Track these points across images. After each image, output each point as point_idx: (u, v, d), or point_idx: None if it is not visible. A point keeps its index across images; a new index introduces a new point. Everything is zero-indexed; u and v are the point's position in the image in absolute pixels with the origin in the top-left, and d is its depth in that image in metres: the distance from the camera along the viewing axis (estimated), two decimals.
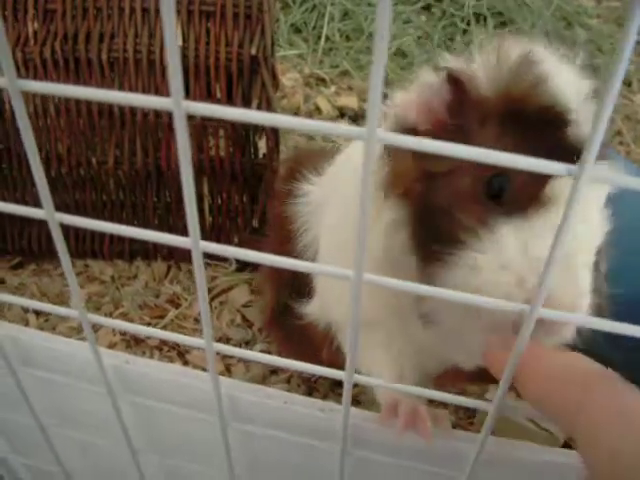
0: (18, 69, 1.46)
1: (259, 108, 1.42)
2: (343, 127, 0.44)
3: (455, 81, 0.74)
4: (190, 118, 1.37)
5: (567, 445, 1.27)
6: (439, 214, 0.73)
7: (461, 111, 0.74)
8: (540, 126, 0.70)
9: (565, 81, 0.73)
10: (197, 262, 0.55)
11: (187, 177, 0.48)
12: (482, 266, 0.68)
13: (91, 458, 0.96)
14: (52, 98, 1.47)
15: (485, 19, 2.70)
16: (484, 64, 0.75)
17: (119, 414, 0.76)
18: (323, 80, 2.37)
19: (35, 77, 1.47)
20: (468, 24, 2.70)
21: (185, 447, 0.87)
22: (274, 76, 1.45)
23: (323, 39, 2.54)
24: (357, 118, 2.22)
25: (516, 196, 0.69)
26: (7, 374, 0.77)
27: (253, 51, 1.41)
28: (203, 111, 0.46)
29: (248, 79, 1.43)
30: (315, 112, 2.20)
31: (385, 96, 2.49)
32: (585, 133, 0.69)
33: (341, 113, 2.22)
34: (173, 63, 0.42)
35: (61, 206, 1.60)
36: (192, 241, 0.54)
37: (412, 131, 0.75)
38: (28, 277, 1.62)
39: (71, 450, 0.94)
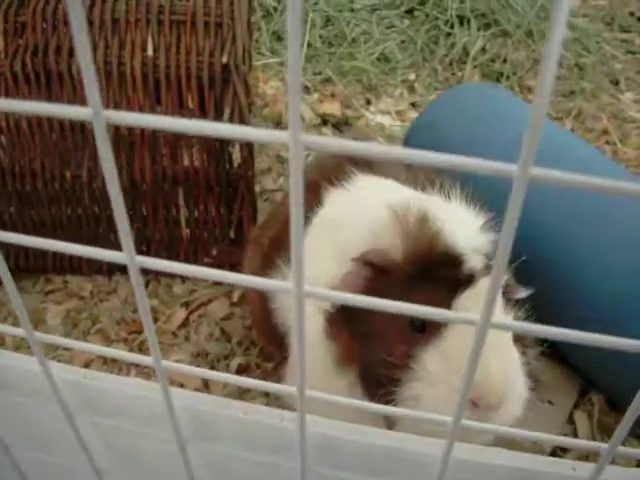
0: None
1: (231, 117, 1.39)
2: (266, 132, 0.42)
3: (368, 263, 0.95)
4: (162, 130, 1.34)
5: (553, 455, 1.24)
6: (377, 365, 0.93)
7: (379, 279, 0.94)
8: (441, 267, 0.92)
9: (455, 228, 0.95)
10: (135, 278, 0.53)
11: (114, 190, 0.46)
12: (421, 394, 0.90)
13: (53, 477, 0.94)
14: (24, 116, 1.45)
15: (469, 21, 2.68)
16: (390, 236, 0.95)
17: (77, 432, 0.74)
18: (306, 87, 2.35)
19: (6, 91, 1.45)
20: (452, 27, 2.68)
21: (147, 464, 0.85)
22: (246, 84, 1.43)
23: (305, 46, 2.52)
24: (340, 125, 2.20)
25: (433, 322, 0.90)
26: None
27: (224, 59, 1.39)
28: (125, 121, 0.44)
29: (220, 88, 1.40)
30: None
31: (368, 102, 2.45)
32: (474, 266, 0.93)
33: (324, 120, 2.20)
34: (88, 73, 0.40)
35: (37, 221, 1.58)
36: (127, 257, 0.52)
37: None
38: (4, 294, 1.59)
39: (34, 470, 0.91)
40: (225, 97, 1.40)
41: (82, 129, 1.46)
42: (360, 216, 1.03)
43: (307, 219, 1.09)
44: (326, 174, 1.16)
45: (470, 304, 0.91)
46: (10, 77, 1.43)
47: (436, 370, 0.90)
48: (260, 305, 1.22)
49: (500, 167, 0.39)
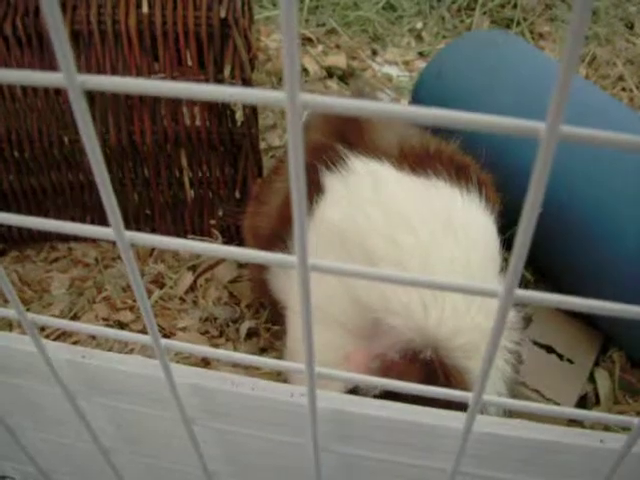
0: None
1: (232, 74, 1.34)
2: (260, 93, 0.37)
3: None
4: None
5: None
6: None
7: None
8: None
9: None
10: (125, 255, 0.48)
11: (97, 161, 0.41)
12: None
13: (64, 458, 0.91)
14: None
15: None
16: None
17: (79, 412, 0.71)
18: (309, 40, 2.28)
19: None
20: None
21: (156, 442, 0.82)
22: (247, 39, 1.37)
23: None
24: (346, 77, 2.13)
25: None
26: None
27: (222, 14, 1.33)
28: (101, 86, 0.39)
29: (219, 44, 1.35)
30: (302, 73, 2.12)
31: (374, 53, 2.38)
32: None
33: (329, 73, 2.14)
34: (58, 34, 0.35)
35: (37, 189, 1.54)
36: (115, 233, 0.47)
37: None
38: (9, 264, 1.56)
39: (47, 451, 0.89)
40: (225, 53, 1.35)
41: None
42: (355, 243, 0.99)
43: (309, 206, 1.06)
44: (319, 155, 1.11)
45: None
46: (1, 41, 1.38)
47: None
48: (257, 270, 1.20)
49: (525, 125, 0.35)
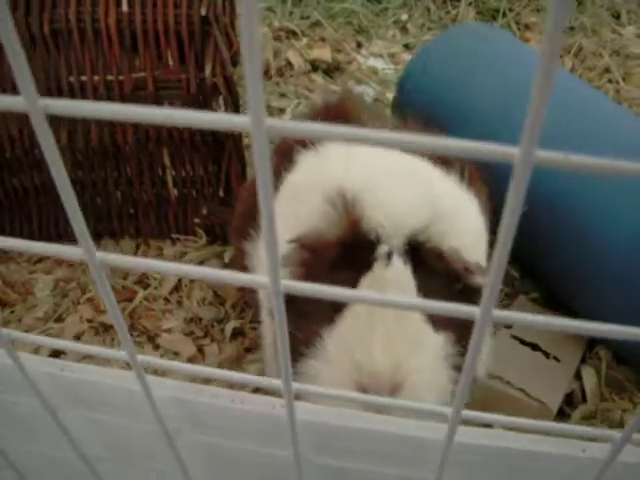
0: None
1: (213, 71, 1.32)
2: (224, 118, 0.36)
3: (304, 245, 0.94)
4: (141, 88, 1.28)
5: (561, 414, 1.21)
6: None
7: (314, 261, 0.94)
8: (360, 251, 0.91)
9: (381, 209, 0.91)
10: (97, 275, 0.48)
11: (63, 185, 0.40)
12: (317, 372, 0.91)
13: (49, 467, 0.90)
14: None
15: None
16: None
17: (60, 424, 0.70)
18: (294, 33, 2.26)
19: None
20: None
21: (138, 451, 0.81)
22: (228, 36, 1.36)
23: None
24: (330, 70, 2.12)
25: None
26: None
27: (203, 11, 1.31)
28: (64, 111, 0.38)
29: (200, 42, 1.33)
30: (286, 67, 2.10)
31: (359, 45, 2.37)
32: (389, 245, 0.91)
33: (313, 66, 2.12)
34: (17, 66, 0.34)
35: (19, 189, 1.52)
36: (86, 254, 0.47)
37: None
38: None
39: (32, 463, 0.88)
40: (206, 51, 1.33)
41: (59, 91, 1.38)
42: (317, 189, 0.98)
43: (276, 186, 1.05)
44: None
45: (367, 289, 0.90)
46: None
47: (333, 351, 0.90)
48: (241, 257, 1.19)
49: (498, 150, 0.34)
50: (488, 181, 1.14)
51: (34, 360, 0.71)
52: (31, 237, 1.60)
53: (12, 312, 1.43)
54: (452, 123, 1.39)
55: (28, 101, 0.37)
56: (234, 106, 1.39)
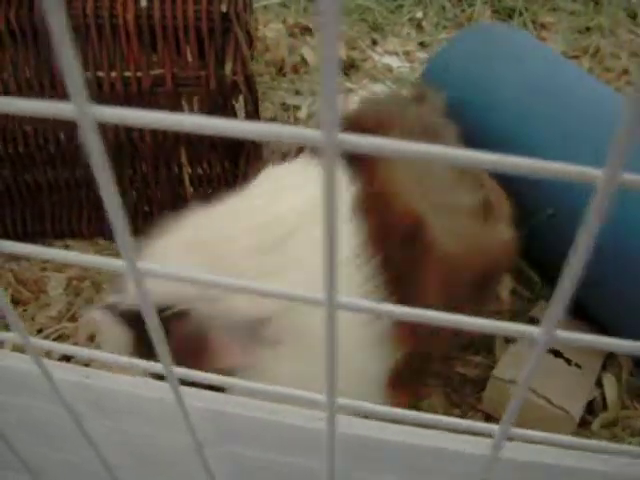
0: None
1: (234, 69, 1.30)
2: (298, 131, 0.34)
3: None
4: (160, 84, 1.26)
5: (585, 423, 1.19)
6: None
7: None
8: None
9: None
10: (139, 288, 0.46)
11: (105, 181, 0.38)
12: None
13: (69, 474, 0.88)
14: (13, 73, 1.35)
15: None
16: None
17: (84, 432, 0.68)
18: (308, 29, 2.24)
19: None
20: None
21: (164, 460, 0.79)
22: (248, 34, 1.34)
23: None
24: (345, 68, 2.10)
25: None
26: None
27: (224, 8, 1.29)
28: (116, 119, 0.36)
29: (221, 39, 1.31)
30: (301, 64, 2.08)
31: (374, 42, 2.35)
32: None
33: None
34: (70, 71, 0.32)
35: (32, 185, 1.50)
36: (130, 268, 0.44)
37: None
38: (4, 262, 1.52)
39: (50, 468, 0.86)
40: (226, 48, 1.31)
41: None
42: None
43: None
44: None
45: None
46: None
47: None
48: None
49: (579, 171, 0.32)
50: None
51: (57, 367, 0.70)
52: (43, 234, 1.58)
53: (25, 310, 1.41)
54: (473, 122, 1.38)
55: (79, 109, 0.35)
56: (254, 105, 1.38)
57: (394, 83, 2.09)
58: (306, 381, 0.85)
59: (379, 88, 2.04)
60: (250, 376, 0.90)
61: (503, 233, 1.13)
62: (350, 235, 0.98)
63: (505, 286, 1.42)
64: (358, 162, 1.04)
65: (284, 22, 2.23)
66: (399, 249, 0.98)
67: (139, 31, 1.32)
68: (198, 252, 0.96)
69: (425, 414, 0.49)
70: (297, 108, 1.91)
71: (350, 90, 2.00)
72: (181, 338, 0.90)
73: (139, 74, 1.33)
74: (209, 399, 0.66)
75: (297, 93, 1.95)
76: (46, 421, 0.77)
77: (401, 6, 2.41)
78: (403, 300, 0.96)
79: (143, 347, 0.91)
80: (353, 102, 1.94)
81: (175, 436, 0.69)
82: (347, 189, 1.02)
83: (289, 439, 0.66)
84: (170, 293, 0.88)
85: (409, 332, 0.96)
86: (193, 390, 0.65)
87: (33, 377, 0.68)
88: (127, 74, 1.34)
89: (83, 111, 0.35)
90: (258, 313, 0.91)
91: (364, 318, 0.94)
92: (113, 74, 1.34)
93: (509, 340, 1.31)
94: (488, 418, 1.25)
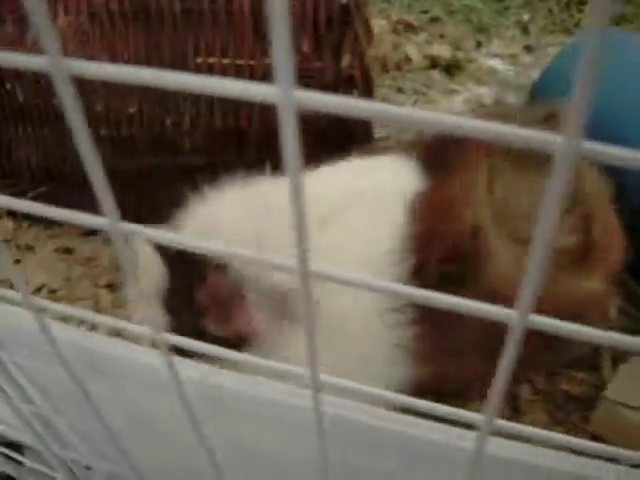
0: (81, 21, 1.34)
1: (351, 64, 1.26)
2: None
3: None
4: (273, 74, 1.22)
5: None
6: None
7: None
8: None
9: None
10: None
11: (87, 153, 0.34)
12: None
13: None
14: (121, 55, 1.34)
15: None
16: None
17: (85, 391, 0.64)
18: (412, 26, 2.19)
19: (101, 31, 1.34)
20: None
21: (162, 429, 0.76)
22: (368, 28, 1.29)
23: None
24: (450, 68, 2.04)
25: None
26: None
27: (344, 0, 1.25)
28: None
29: (338, 31, 1.27)
30: (405, 62, 2.03)
31: (479, 44, 2.28)
32: None
33: (432, 63, 2.04)
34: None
35: (132, 171, 1.49)
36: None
37: None
38: (100, 246, 1.51)
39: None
40: (344, 41, 1.27)
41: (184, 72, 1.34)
42: None
43: None
44: None
45: None
46: (107, 17, 1.33)
47: None
48: None
49: None
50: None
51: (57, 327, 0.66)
52: (140, 221, 1.56)
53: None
54: (593, 130, 1.31)
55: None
56: (368, 93, 1.33)
57: (498, 86, 2.02)
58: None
59: (483, 91, 1.98)
60: (266, 351, 0.91)
61: (594, 283, 1.05)
62: (394, 229, 0.96)
63: (613, 304, 1.36)
64: (439, 163, 1.01)
65: (388, 18, 2.18)
66: (441, 261, 0.94)
67: (255, 19, 1.29)
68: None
69: (421, 401, 0.44)
70: (400, 105, 1.86)
71: (454, 91, 1.94)
72: (213, 288, 0.93)
73: (252, 62, 1.30)
74: (210, 373, 0.63)
75: (399, 91, 1.90)
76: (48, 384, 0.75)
77: (507, 8, 2.35)
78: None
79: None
80: (457, 103, 1.88)
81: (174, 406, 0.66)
82: (410, 184, 1.00)
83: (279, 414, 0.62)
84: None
85: (430, 349, 0.94)
86: (194, 364, 0.62)
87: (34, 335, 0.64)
88: (240, 62, 1.31)
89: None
90: (287, 287, 0.90)
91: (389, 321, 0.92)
92: (225, 61, 1.31)
93: (617, 358, 1.25)
94: (594, 438, 1.19)
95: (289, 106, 0.29)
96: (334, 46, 1.28)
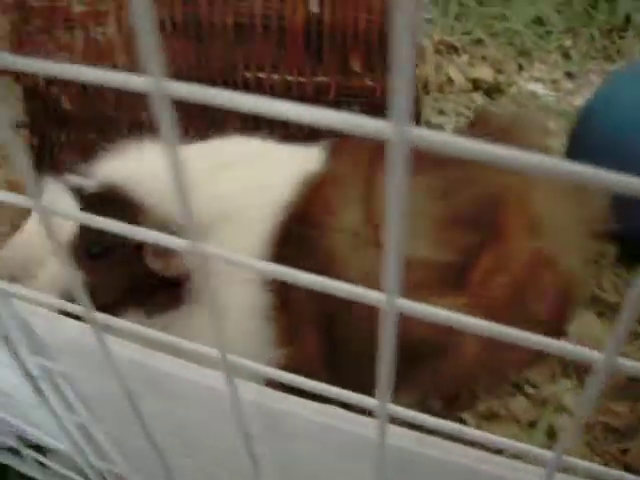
0: (133, 33, 1.35)
1: None
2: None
3: None
4: (323, 92, 1.21)
5: None
6: None
7: None
8: None
9: None
10: None
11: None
12: None
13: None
14: (170, 67, 1.34)
15: None
16: None
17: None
18: (454, 48, 2.18)
19: None
20: None
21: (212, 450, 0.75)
22: (420, 50, 1.29)
23: (454, 2, 2.35)
24: (492, 91, 2.03)
25: None
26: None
27: None
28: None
29: (390, 52, 1.26)
30: (447, 83, 2.02)
31: (520, 67, 2.27)
32: None
33: (474, 86, 2.04)
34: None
35: None
36: None
37: None
38: None
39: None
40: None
41: (234, 86, 1.34)
42: None
43: None
44: None
45: None
46: (157, 28, 1.33)
47: None
48: None
49: None
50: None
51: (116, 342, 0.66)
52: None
53: None
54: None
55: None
56: (416, 121, 1.33)
57: (538, 110, 2.01)
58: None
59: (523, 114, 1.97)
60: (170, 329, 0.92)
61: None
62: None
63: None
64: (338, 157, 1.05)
65: (430, 38, 2.18)
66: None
67: (306, 36, 1.29)
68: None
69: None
70: (441, 128, 1.86)
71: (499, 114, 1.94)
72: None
73: (302, 79, 1.30)
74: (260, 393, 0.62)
75: (441, 113, 1.89)
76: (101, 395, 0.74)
77: (550, 32, 2.34)
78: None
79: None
80: None
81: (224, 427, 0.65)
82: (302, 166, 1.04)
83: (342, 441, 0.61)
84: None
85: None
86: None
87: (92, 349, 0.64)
88: (289, 78, 1.31)
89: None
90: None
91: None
92: (275, 76, 1.31)
93: None
94: (627, 469, 1.18)
95: (402, 144, 0.29)
96: (385, 66, 1.27)
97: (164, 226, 0.89)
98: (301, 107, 0.29)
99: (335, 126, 0.28)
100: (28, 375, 0.72)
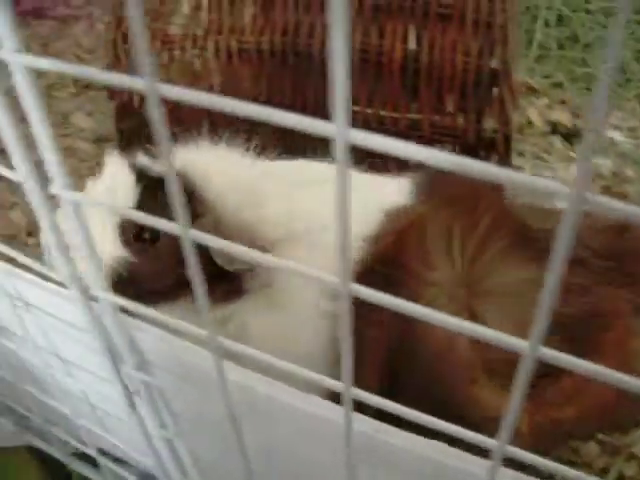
0: (230, 57, 1.40)
1: (495, 127, 1.28)
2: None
3: None
4: (416, 129, 1.23)
5: None
6: None
7: None
8: None
9: None
10: None
11: None
12: None
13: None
14: (267, 94, 1.39)
15: None
16: None
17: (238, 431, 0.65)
18: (534, 90, 2.20)
19: (250, 68, 1.40)
20: None
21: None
22: (513, 94, 1.31)
23: (535, 45, 2.36)
24: (570, 136, 2.04)
25: None
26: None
27: (494, 64, 1.27)
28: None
29: (484, 94, 1.29)
30: (526, 125, 2.04)
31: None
32: None
33: (553, 129, 2.05)
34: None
35: None
36: None
37: None
38: None
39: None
40: (490, 104, 1.29)
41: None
42: None
43: None
44: None
45: None
46: (256, 56, 1.38)
47: None
48: None
49: None
50: None
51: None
52: None
53: None
54: None
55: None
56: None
57: (616, 158, 2.02)
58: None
59: (602, 162, 1.97)
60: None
61: None
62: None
63: None
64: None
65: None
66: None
67: (403, 72, 1.32)
68: None
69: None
70: (518, 169, 1.87)
71: (572, 159, 1.95)
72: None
73: (396, 115, 1.33)
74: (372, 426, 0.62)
75: (520, 155, 1.91)
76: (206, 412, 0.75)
77: (629, 80, 2.34)
78: None
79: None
80: (574, 172, 1.88)
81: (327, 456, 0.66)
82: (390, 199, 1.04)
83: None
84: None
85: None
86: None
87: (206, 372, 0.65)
88: (383, 113, 1.34)
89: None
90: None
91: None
92: (369, 110, 1.35)
93: None
94: None
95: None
96: (479, 108, 1.30)
97: (217, 221, 0.94)
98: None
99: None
100: (126, 389, 0.74)
